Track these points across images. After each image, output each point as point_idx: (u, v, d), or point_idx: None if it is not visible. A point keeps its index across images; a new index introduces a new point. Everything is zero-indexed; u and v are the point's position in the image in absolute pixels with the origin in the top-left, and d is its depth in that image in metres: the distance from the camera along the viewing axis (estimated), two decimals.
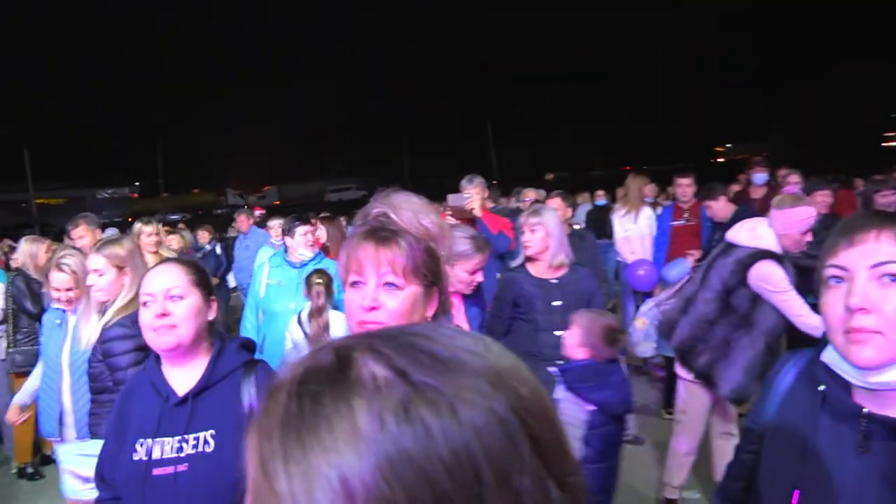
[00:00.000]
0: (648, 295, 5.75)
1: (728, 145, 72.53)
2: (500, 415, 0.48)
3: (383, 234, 1.49)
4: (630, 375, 6.47)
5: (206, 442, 1.93)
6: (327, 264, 4.74)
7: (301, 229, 4.67)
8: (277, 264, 4.74)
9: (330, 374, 0.50)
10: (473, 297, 3.41)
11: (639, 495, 4.45)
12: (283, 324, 4.25)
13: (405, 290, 1.48)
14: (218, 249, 8.94)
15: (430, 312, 1.55)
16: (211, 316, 2.08)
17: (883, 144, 55.21)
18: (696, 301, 3.73)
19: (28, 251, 5.43)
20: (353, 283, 1.49)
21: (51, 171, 59.83)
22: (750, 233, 3.59)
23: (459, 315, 3.22)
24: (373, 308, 1.45)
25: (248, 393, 2.00)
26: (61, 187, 60.35)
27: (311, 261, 4.57)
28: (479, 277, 3.19)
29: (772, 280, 3.44)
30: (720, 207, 5.62)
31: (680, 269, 5.46)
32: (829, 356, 1.28)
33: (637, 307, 5.47)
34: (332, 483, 0.44)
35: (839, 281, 1.22)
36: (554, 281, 3.66)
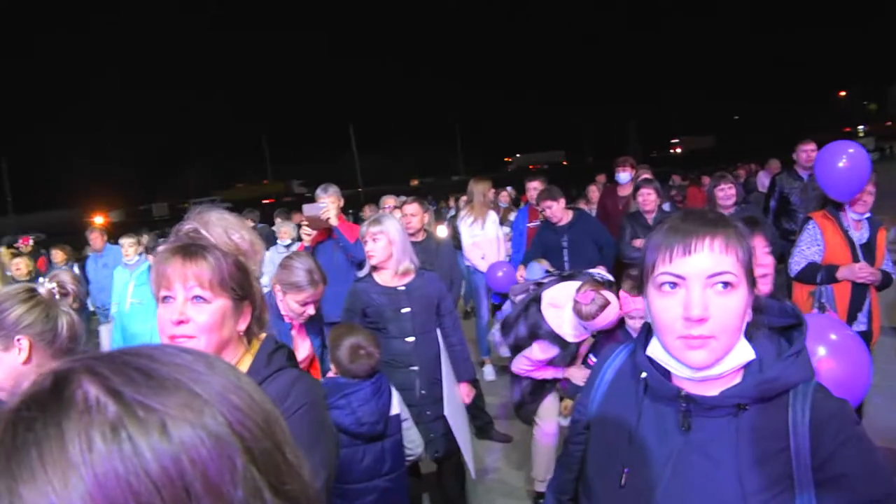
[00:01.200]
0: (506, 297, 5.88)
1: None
2: (212, 429, 0.49)
3: (191, 249, 1.51)
4: (497, 374, 6.66)
5: None
6: None
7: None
8: (142, 282, 4.54)
9: (44, 399, 0.49)
10: (310, 325, 3.35)
11: (510, 490, 4.56)
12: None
13: (213, 304, 1.50)
14: (76, 270, 8.42)
15: (241, 326, 1.57)
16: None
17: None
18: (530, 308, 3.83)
19: None
20: (164, 298, 1.51)
21: None
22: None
23: (301, 337, 3.16)
24: (181, 322, 1.48)
25: None
26: None
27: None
28: (311, 311, 3.12)
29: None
30: (559, 208, 5.81)
31: (534, 271, 5.61)
32: (656, 351, 1.35)
33: (494, 309, 5.59)
34: None
35: (674, 286, 1.28)
36: (401, 288, 3.67)
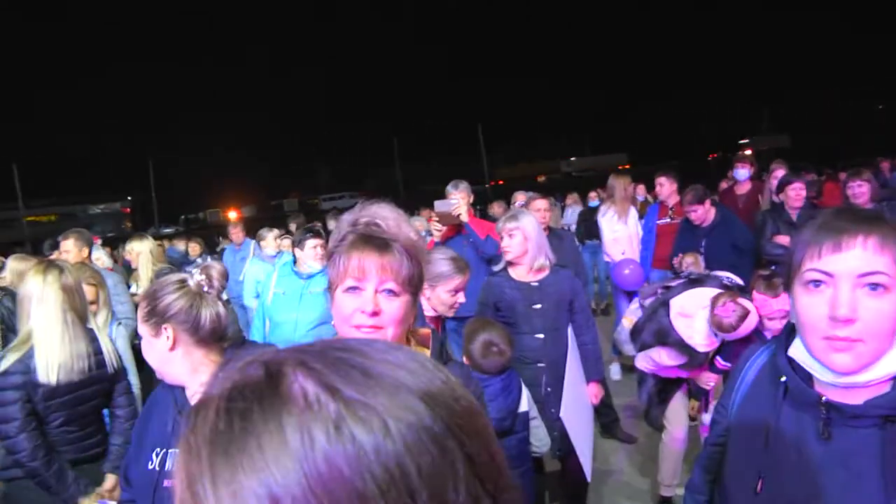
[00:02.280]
0: (635, 294, 5.76)
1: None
2: (434, 432, 0.48)
3: (380, 241, 1.53)
4: (623, 373, 6.55)
5: None
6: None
7: (311, 242, 4.66)
8: (285, 274, 4.76)
9: (259, 390, 0.48)
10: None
11: (635, 492, 4.50)
12: (285, 332, 4.35)
13: (401, 298, 1.53)
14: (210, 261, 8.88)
15: (411, 320, 1.61)
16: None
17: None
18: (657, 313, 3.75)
19: (16, 269, 5.39)
20: (351, 288, 1.52)
21: (40, 187, 59.73)
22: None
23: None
24: (375, 313, 1.49)
25: None
26: (51, 203, 60.21)
27: (318, 273, 4.60)
28: (462, 298, 3.14)
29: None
30: (704, 211, 5.59)
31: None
32: (798, 353, 1.31)
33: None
34: (261, 500, 0.44)
35: (819, 284, 1.23)
36: (535, 284, 3.69)
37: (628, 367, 6.23)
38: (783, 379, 1.35)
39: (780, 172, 6.40)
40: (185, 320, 1.95)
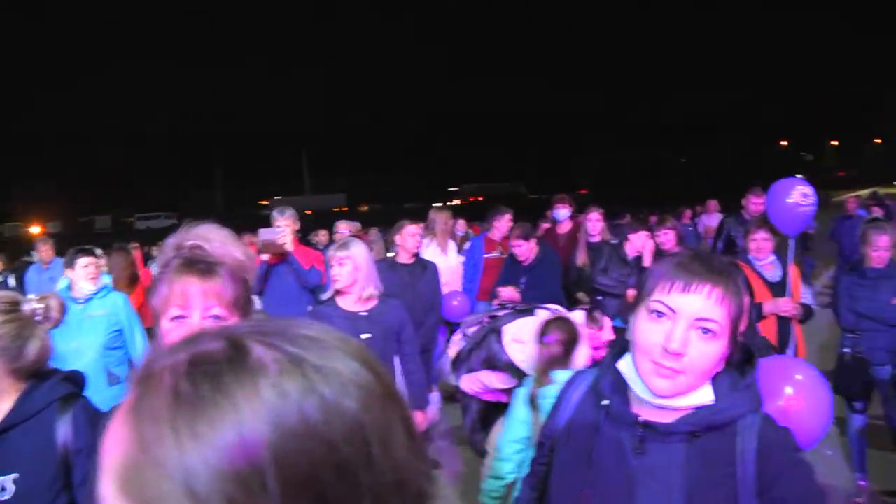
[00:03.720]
0: (457, 326, 5.88)
1: None
2: (378, 393, 0.54)
3: (203, 266, 1.47)
4: (443, 402, 6.65)
5: (3, 489, 1.75)
6: (115, 298, 4.45)
7: (83, 261, 4.33)
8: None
9: (227, 358, 0.51)
10: None
11: None
12: (70, 363, 3.93)
13: (229, 322, 1.46)
14: (11, 281, 8.11)
15: None
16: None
17: None
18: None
19: None
20: (175, 318, 1.46)
21: None
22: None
23: None
24: None
25: (63, 430, 1.82)
26: None
27: (95, 295, 4.26)
28: None
29: None
30: (529, 248, 5.81)
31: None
32: (625, 367, 1.45)
33: (449, 337, 5.58)
34: (235, 452, 0.46)
35: (661, 315, 1.36)
36: (363, 313, 3.67)
37: (448, 396, 6.35)
38: (605, 403, 1.46)
39: (594, 214, 6.78)
40: (7, 346, 1.77)
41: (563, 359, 3.31)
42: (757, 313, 4.24)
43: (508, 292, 5.48)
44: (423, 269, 5.36)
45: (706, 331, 1.33)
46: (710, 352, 1.34)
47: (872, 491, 4.52)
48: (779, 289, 4.44)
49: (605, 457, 1.44)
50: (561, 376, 2.83)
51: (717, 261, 1.43)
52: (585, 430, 1.50)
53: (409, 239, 5.32)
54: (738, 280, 1.41)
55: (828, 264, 12.70)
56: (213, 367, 0.50)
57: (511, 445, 2.93)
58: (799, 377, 2.03)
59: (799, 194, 4.39)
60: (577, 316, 3.61)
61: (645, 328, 1.38)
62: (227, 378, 0.49)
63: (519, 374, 3.68)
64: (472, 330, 3.96)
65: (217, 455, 0.46)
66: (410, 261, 5.34)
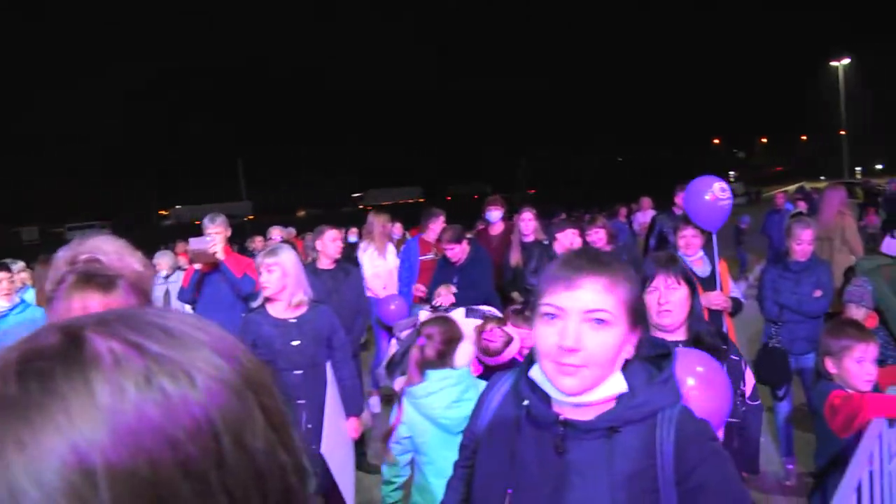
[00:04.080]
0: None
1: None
2: (233, 383, 0.50)
3: (103, 279, 1.43)
4: (383, 405, 6.65)
5: None
6: (33, 313, 4.33)
7: None
8: None
9: (60, 352, 0.47)
10: None
11: None
12: None
13: None
14: None
15: None
16: None
17: None
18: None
19: None
20: None
21: None
22: None
23: None
24: None
25: None
26: None
27: (10, 311, 4.13)
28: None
29: None
30: (461, 250, 5.85)
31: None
32: (535, 374, 1.47)
33: (389, 340, 5.58)
34: (66, 461, 0.42)
35: (553, 317, 1.39)
36: (293, 320, 3.66)
37: (388, 399, 6.33)
38: (525, 402, 1.49)
39: (527, 214, 6.82)
40: None
41: (440, 359, 3.34)
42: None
43: (446, 292, 5.51)
44: (346, 275, 5.35)
45: (599, 321, 1.37)
46: (606, 341, 1.38)
47: (799, 473, 4.70)
48: (709, 283, 4.52)
49: (528, 456, 1.46)
50: (435, 375, 2.92)
51: (600, 254, 1.49)
52: (507, 430, 1.53)
53: (330, 244, 5.29)
54: (625, 268, 1.45)
55: (760, 258, 13.01)
56: (43, 365, 0.46)
57: (394, 447, 2.94)
58: (701, 369, 2.09)
59: (716, 190, 4.49)
60: (458, 314, 3.65)
61: (541, 332, 1.41)
62: (58, 376, 0.45)
63: None
64: (405, 333, 3.98)
65: (44, 466, 0.42)
66: (332, 266, 5.31)
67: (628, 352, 1.44)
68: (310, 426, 3.60)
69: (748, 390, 2.66)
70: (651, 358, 1.54)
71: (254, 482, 0.49)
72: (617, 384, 1.42)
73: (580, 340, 1.36)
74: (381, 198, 67.02)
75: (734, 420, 2.47)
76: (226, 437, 0.48)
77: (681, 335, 2.55)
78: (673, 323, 2.53)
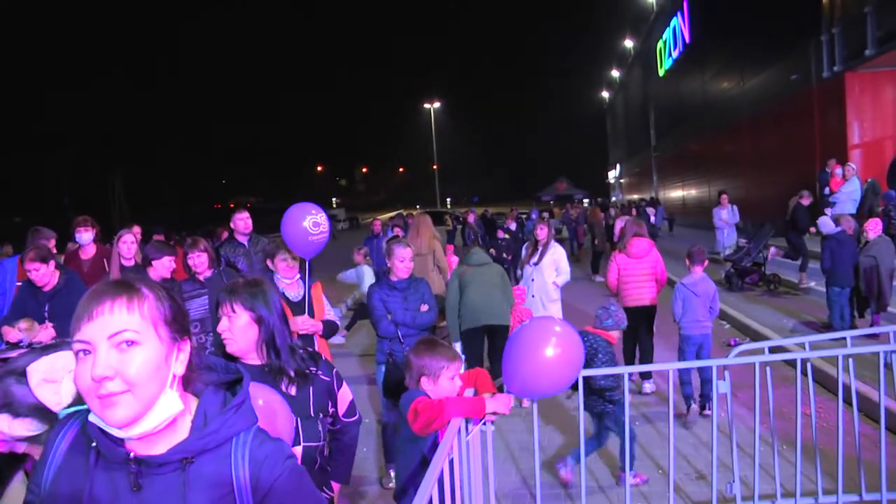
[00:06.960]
0: None
1: None
2: None
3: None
4: None
5: None
6: None
7: None
8: None
9: None
10: None
11: None
12: None
13: None
14: None
15: None
16: None
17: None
18: None
19: None
20: None
21: None
22: None
23: None
24: None
25: None
26: None
27: None
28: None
29: None
30: (48, 272, 5.31)
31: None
32: (94, 418, 1.36)
33: None
34: None
35: (87, 353, 1.29)
36: None
37: None
38: (94, 444, 1.40)
39: (127, 236, 6.45)
40: None
41: None
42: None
43: (27, 325, 4.95)
44: None
45: (129, 343, 1.31)
46: (142, 359, 1.31)
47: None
48: (299, 307, 4.70)
49: (101, 500, 1.38)
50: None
51: (121, 280, 1.40)
52: (77, 477, 1.42)
53: None
54: (150, 284, 1.41)
55: None
56: None
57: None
58: (260, 402, 2.05)
59: (308, 225, 4.63)
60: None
61: (77, 372, 1.32)
62: None
63: (49, 418, 3.43)
64: None
65: None
66: None
67: (178, 368, 1.40)
68: None
69: (342, 409, 2.79)
70: (226, 384, 1.55)
71: None
72: (172, 404, 1.37)
73: (112, 366, 1.28)
74: None
75: (317, 444, 2.59)
76: None
77: (256, 360, 2.58)
78: (238, 350, 2.55)
